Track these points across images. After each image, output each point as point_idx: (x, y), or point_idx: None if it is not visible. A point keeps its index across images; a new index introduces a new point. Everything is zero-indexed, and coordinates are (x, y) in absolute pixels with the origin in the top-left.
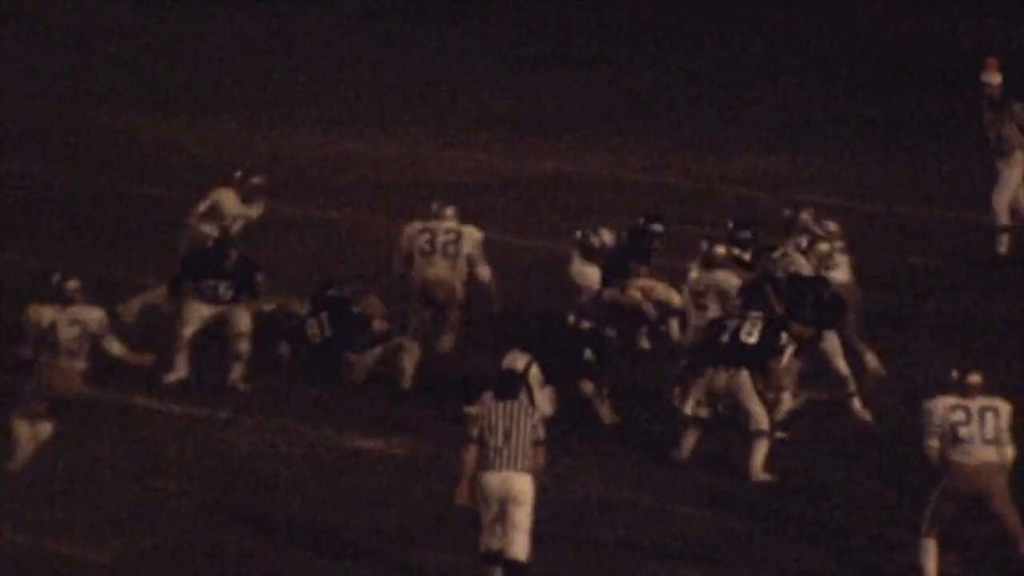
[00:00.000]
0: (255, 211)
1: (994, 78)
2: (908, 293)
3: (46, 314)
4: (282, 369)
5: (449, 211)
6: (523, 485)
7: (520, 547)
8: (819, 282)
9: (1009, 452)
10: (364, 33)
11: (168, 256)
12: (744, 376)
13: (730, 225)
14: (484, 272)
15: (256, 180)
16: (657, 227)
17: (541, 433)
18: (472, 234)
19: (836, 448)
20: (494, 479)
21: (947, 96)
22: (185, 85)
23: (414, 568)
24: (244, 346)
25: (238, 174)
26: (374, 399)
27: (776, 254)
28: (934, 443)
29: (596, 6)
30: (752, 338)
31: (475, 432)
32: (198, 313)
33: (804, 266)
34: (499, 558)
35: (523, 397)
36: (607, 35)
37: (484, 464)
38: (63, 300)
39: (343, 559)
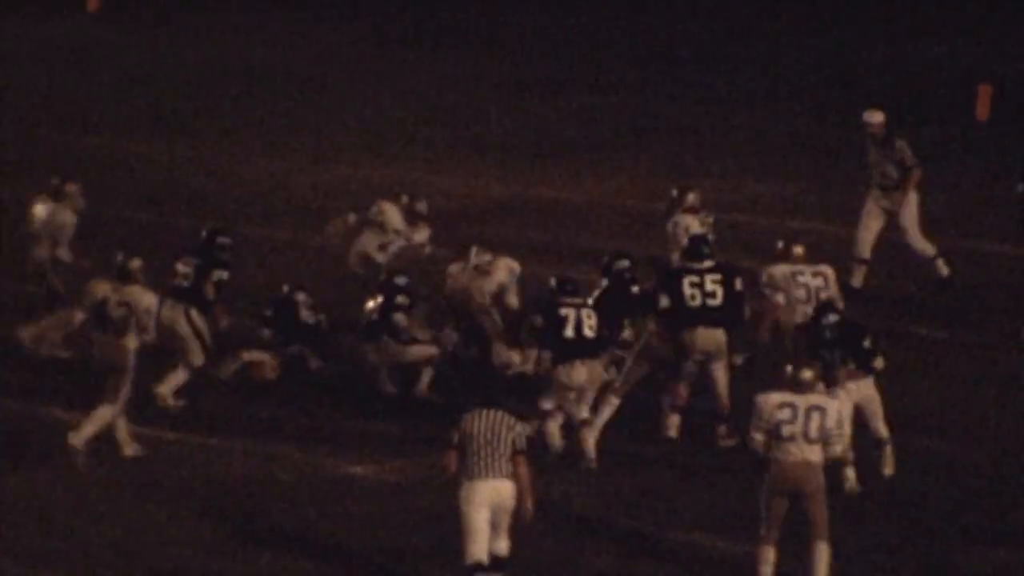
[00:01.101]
0: (419, 236)
1: (875, 117)
2: (899, 318)
3: (101, 289)
4: (274, 395)
5: (487, 257)
6: (509, 492)
7: (505, 546)
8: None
9: (837, 450)
10: (359, 60)
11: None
12: (599, 369)
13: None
14: (512, 301)
15: (421, 205)
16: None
17: (521, 443)
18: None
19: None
20: (484, 487)
21: (941, 123)
22: (180, 111)
23: None
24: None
25: (404, 198)
26: (367, 425)
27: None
28: (758, 437)
29: (588, 34)
30: (592, 332)
31: (456, 439)
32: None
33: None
34: (485, 568)
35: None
36: (600, 62)
37: (471, 473)
38: (122, 278)
39: None
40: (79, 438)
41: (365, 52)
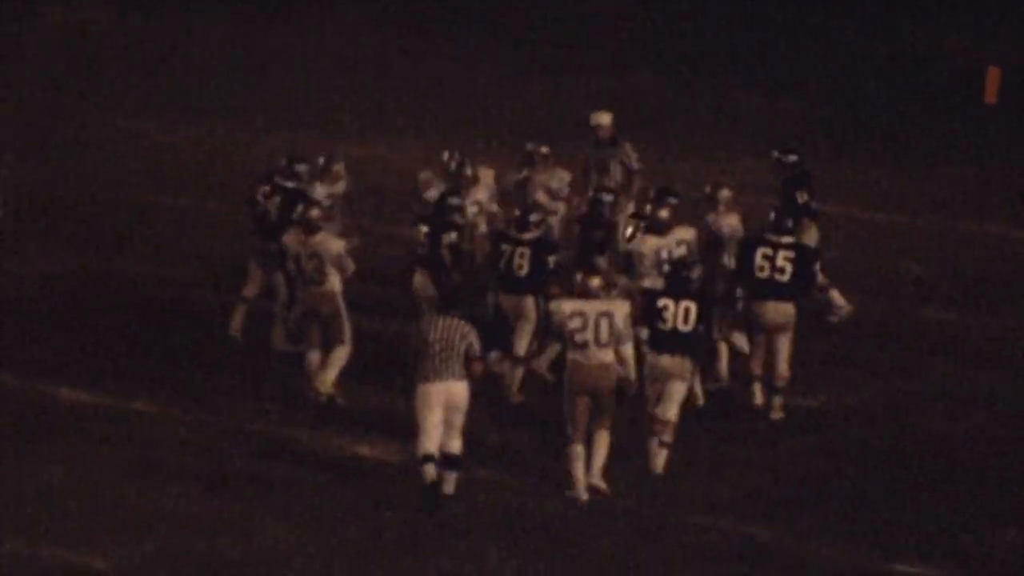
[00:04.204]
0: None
1: (603, 118)
2: (903, 302)
3: (292, 244)
4: (280, 375)
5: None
6: (462, 391)
7: (457, 444)
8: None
9: (626, 351)
10: (366, 41)
11: (164, 259)
12: (528, 303)
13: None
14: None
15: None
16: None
17: (476, 349)
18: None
19: (829, 458)
20: (437, 388)
21: (947, 108)
22: (185, 91)
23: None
24: None
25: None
26: (372, 405)
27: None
28: (558, 345)
29: (596, 17)
30: (524, 271)
31: (413, 343)
32: None
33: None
34: (434, 458)
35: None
36: (607, 45)
37: (426, 376)
38: (307, 229)
39: (341, 567)
40: (326, 384)
41: (372, 33)
